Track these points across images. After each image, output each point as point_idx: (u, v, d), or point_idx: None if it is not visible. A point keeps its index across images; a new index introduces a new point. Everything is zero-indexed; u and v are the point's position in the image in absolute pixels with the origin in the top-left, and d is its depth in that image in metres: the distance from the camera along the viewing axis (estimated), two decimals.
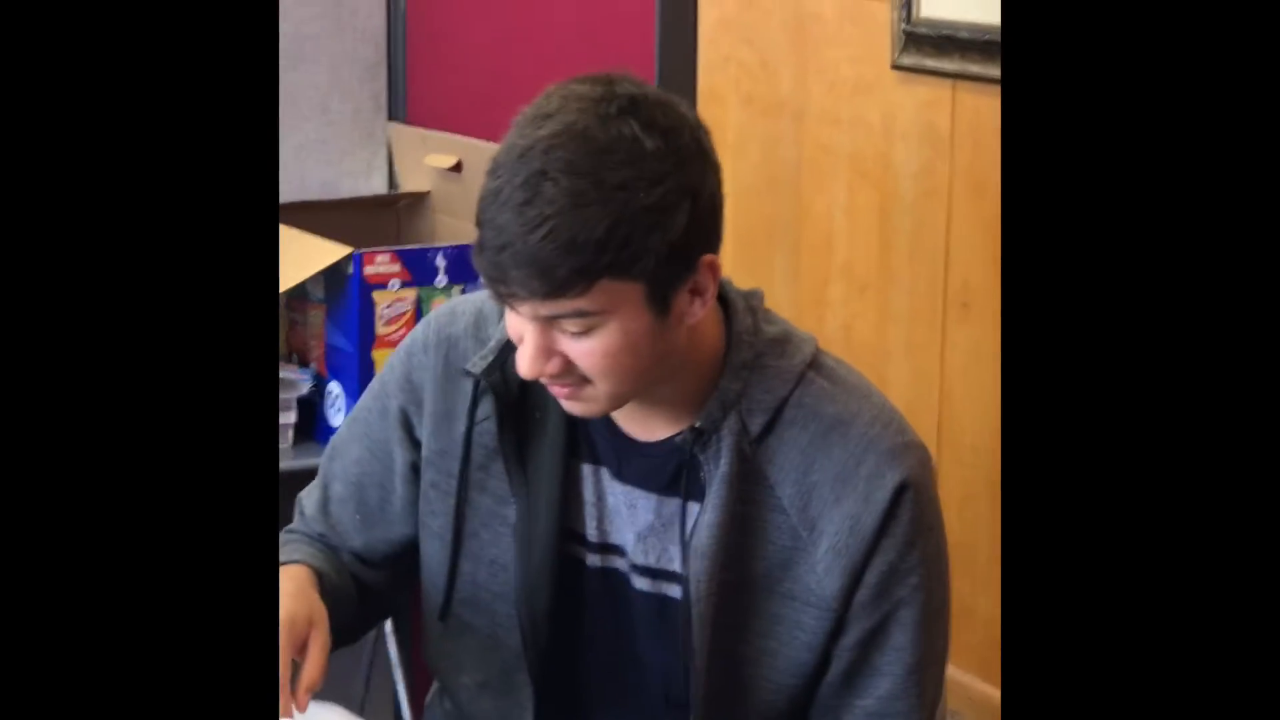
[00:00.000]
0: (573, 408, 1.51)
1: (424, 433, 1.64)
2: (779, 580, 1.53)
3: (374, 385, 1.70)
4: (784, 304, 2.41)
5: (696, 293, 1.47)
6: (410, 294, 2.71)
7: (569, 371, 1.45)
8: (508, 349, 1.55)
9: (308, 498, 1.74)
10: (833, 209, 2.37)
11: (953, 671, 2.20)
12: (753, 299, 1.58)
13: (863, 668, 1.54)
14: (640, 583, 1.58)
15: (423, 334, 1.66)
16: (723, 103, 2.53)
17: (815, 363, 1.55)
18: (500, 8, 3.10)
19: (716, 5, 2.54)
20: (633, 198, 1.38)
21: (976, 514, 2.18)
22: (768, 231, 2.47)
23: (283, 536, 1.72)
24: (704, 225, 1.45)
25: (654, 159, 1.40)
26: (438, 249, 2.75)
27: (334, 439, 1.73)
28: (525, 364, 1.44)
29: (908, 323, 2.27)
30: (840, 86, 2.35)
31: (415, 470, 1.65)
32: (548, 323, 1.43)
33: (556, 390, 1.49)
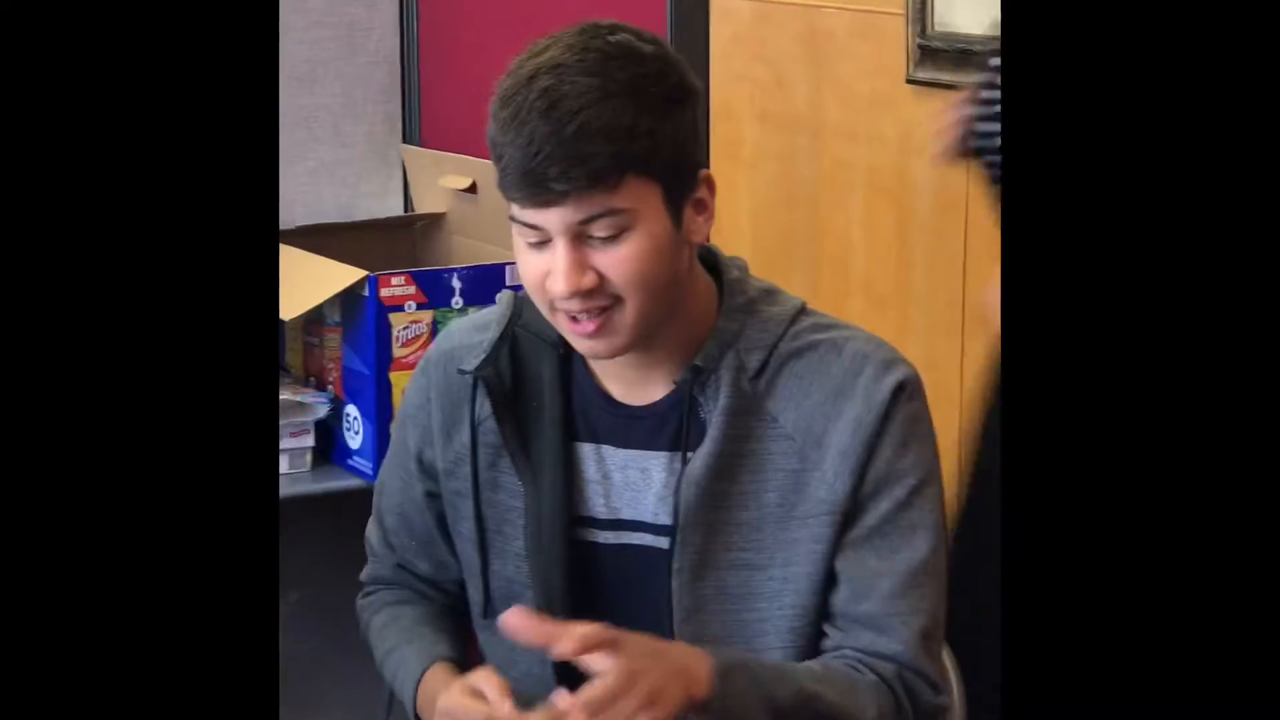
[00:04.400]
0: (597, 346, 1.54)
1: (437, 450, 1.67)
2: (794, 505, 1.57)
3: (398, 414, 1.74)
4: None
5: (700, 209, 1.54)
6: (426, 316, 2.70)
7: (601, 290, 1.50)
8: (500, 344, 1.61)
9: (372, 533, 1.78)
10: (850, 224, 2.37)
11: None
12: (738, 261, 1.65)
13: (861, 570, 1.57)
14: (667, 543, 1.59)
15: (427, 355, 1.71)
16: (737, 119, 2.53)
17: (805, 309, 1.63)
18: (512, 29, 3.10)
19: (728, 22, 2.54)
20: (645, 89, 1.47)
21: None
22: (785, 247, 2.47)
23: (374, 601, 1.75)
24: (699, 132, 1.55)
25: (653, 60, 1.50)
26: (453, 270, 2.75)
27: (380, 471, 1.78)
28: (562, 280, 1.49)
29: (927, 337, 2.26)
30: (855, 101, 2.34)
31: (432, 497, 1.70)
32: (579, 235, 1.48)
33: (584, 327, 1.52)
